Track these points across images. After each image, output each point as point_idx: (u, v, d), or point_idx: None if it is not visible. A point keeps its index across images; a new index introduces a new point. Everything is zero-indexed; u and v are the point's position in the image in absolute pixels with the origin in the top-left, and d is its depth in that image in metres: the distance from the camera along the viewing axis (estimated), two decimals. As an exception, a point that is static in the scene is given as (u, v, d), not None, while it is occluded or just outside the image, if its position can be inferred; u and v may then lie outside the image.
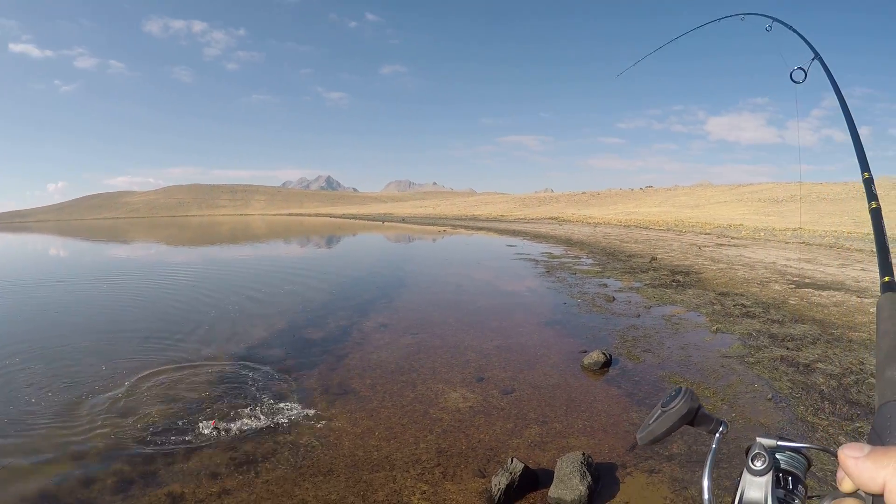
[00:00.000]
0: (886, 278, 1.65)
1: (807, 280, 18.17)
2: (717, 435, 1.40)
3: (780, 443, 1.25)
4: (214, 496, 5.51)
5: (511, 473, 5.42)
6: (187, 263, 29.95)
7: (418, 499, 5.46)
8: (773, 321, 12.44)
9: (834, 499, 0.94)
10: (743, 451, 1.26)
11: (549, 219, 77.60)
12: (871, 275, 18.93)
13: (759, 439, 1.26)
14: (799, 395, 8.03)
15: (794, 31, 4.05)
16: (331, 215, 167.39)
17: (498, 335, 11.88)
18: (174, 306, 15.85)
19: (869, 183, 2.41)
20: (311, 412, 7.63)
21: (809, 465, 1.27)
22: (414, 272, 24.56)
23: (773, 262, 23.02)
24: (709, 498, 1.28)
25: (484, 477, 5.82)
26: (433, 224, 77.40)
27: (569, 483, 5.32)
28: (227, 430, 7.01)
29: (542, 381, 8.92)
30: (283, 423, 7.29)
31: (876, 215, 2.22)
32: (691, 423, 1.36)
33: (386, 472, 5.98)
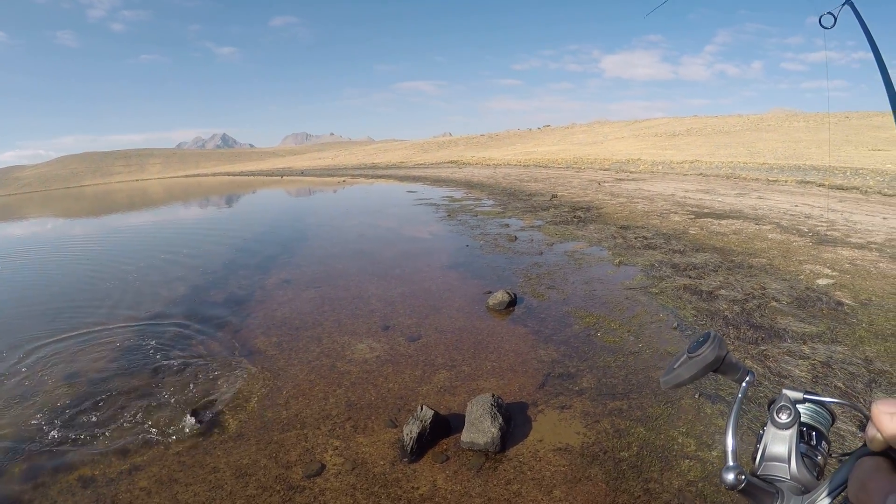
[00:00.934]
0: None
1: (706, 210, 18.63)
2: (744, 384, 1.39)
3: (806, 396, 1.28)
4: (125, 474, 5.26)
5: (422, 421, 5.34)
6: (84, 236, 28.58)
7: (331, 455, 5.35)
8: (675, 251, 12.70)
9: (862, 456, 0.92)
10: (766, 403, 1.33)
11: (448, 162, 77.57)
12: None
13: (785, 392, 1.30)
14: (703, 322, 8.23)
15: None
16: (229, 173, 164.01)
17: (402, 282, 11.76)
18: (71, 280, 15.17)
19: None
20: (217, 376, 7.37)
21: (833, 420, 1.31)
22: (315, 225, 24.18)
23: (672, 195, 23.54)
24: (733, 449, 1.23)
25: (396, 427, 5.75)
26: (333, 175, 76.47)
27: (480, 426, 5.27)
28: (133, 404, 6.70)
29: (448, 326, 8.86)
30: (189, 390, 7.02)
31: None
32: (717, 371, 1.36)
33: (297, 430, 5.84)
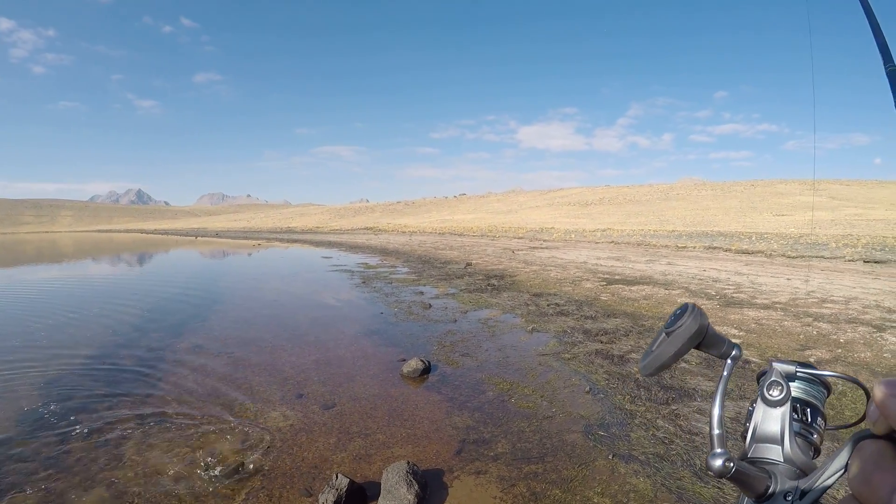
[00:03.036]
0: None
1: (617, 276, 19.08)
2: (730, 361, 1.23)
3: (798, 370, 1.18)
4: None
5: (337, 490, 5.28)
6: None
7: (243, 527, 5.20)
8: (587, 317, 12.96)
9: (862, 439, 0.83)
10: (755, 377, 1.24)
11: (364, 229, 77.84)
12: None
13: (774, 365, 1.19)
14: (615, 385, 8.41)
15: None
16: (142, 231, 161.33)
17: (316, 349, 11.65)
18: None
19: (892, 75, 2.36)
20: (125, 446, 7.13)
21: (829, 392, 1.21)
22: (229, 288, 23.82)
23: (585, 262, 24.04)
24: (720, 433, 1.10)
25: (311, 496, 5.64)
26: (248, 238, 75.81)
27: (396, 493, 5.25)
28: (39, 473, 6.41)
29: (362, 393, 8.80)
30: (97, 466, 6.76)
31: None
32: (699, 346, 1.20)
33: (211, 500, 5.65)
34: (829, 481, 0.99)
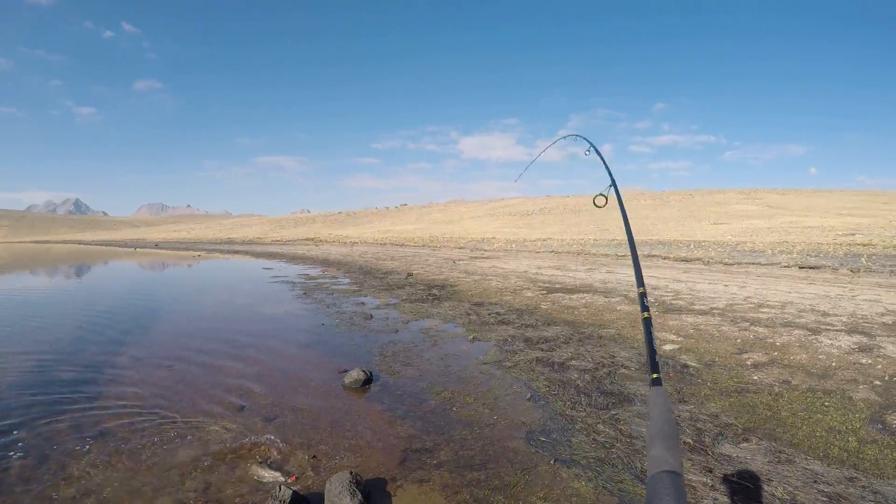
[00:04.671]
0: (654, 375, 2.07)
1: (557, 285, 19.27)
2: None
3: None
4: None
5: (280, 501, 5.27)
6: None
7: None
8: (528, 325, 13.07)
9: None
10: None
11: (305, 240, 77.33)
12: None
13: None
14: (556, 392, 8.50)
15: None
16: (80, 242, 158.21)
17: (257, 361, 11.54)
18: None
19: (642, 297, 3.04)
20: (59, 465, 6.96)
21: None
22: (168, 300, 23.42)
23: (525, 271, 24.24)
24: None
25: (249, 508, 5.57)
26: (188, 249, 74.69)
27: (340, 503, 5.19)
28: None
29: (304, 405, 8.75)
30: (22, 488, 6.59)
31: (646, 324, 2.58)
32: None
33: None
34: None
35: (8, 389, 10.15)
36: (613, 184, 4.46)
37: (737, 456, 5.99)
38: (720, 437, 6.47)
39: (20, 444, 7.57)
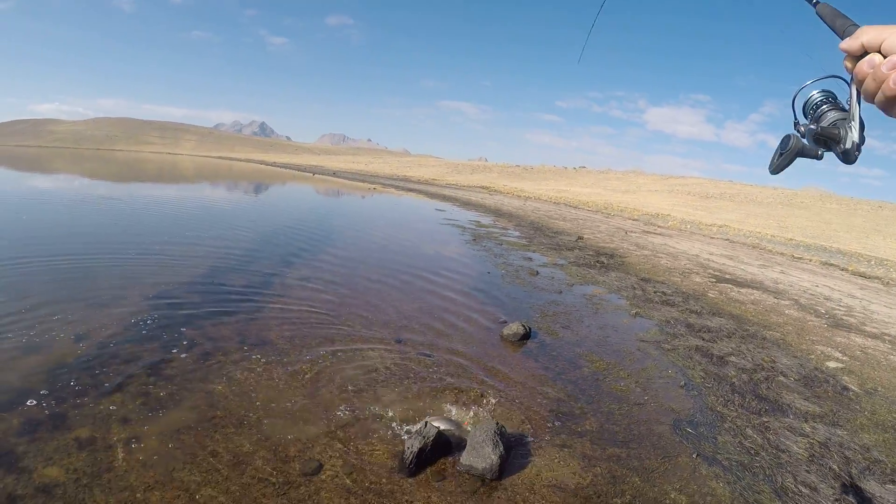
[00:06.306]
0: None
1: (727, 276, 18.61)
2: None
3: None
4: (123, 442, 5.29)
5: (424, 438, 5.39)
6: (110, 200, 28.92)
7: (330, 457, 5.37)
8: (692, 311, 12.72)
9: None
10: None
11: (480, 187, 77.68)
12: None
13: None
14: (710, 385, 8.26)
15: None
16: (262, 162, 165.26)
17: (419, 299, 11.81)
18: (90, 243, 15.29)
19: None
20: (228, 360, 7.43)
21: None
22: (340, 228, 24.27)
23: (697, 255, 23.51)
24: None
25: (398, 439, 5.78)
26: (364, 181, 76.80)
27: (481, 451, 5.32)
28: (141, 377, 6.75)
29: (460, 348, 8.90)
30: (198, 370, 7.07)
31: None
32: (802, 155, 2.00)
33: (299, 427, 5.86)
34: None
35: (180, 293, 10.94)
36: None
37: (880, 496, 5.67)
38: (867, 473, 6.01)
39: (186, 340, 8.18)
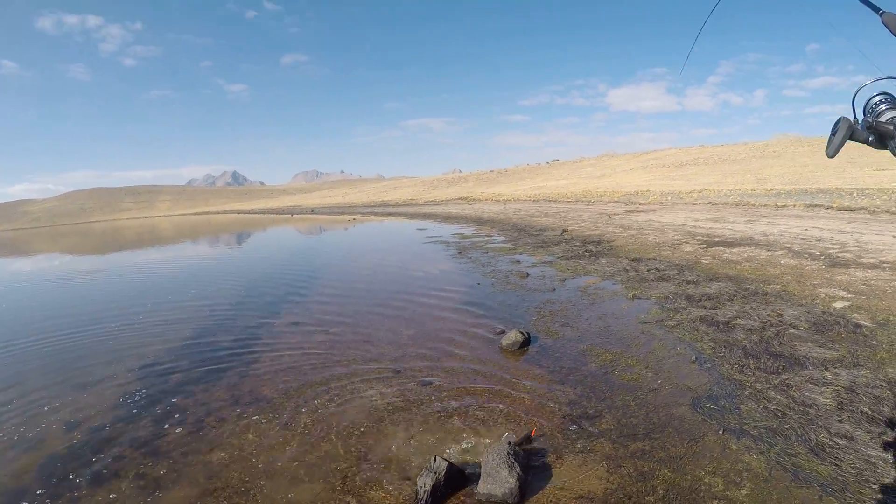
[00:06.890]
0: None
1: (716, 238, 18.48)
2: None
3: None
4: None
5: (435, 473, 5.09)
6: (90, 271, 28.69)
7: (340, 510, 5.07)
8: (688, 282, 12.50)
9: None
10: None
11: (458, 199, 77.94)
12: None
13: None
14: (722, 354, 7.99)
15: None
16: (239, 211, 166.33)
17: (412, 324, 11.56)
18: (73, 320, 14.97)
19: None
20: (223, 426, 7.14)
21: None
22: (325, 263, 24.16)
23: (683, 224, 23.41)
24: None
25: (409, 479, 5.46)
26: (343, 213, 77.00)
27: (497, 476, 5.02)
28: (137, 458, 6.46)
29: (460, 368, 8.62)
30: (193, 441, 6.78)
31: None
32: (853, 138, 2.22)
33: (306, 485, 5.55)
34: None
35: (168, 357, 10.67)
36: None
37: (920, 431, 5.41)
38: (901, 407, 5.83)
39: (179, 410, 7.88)
